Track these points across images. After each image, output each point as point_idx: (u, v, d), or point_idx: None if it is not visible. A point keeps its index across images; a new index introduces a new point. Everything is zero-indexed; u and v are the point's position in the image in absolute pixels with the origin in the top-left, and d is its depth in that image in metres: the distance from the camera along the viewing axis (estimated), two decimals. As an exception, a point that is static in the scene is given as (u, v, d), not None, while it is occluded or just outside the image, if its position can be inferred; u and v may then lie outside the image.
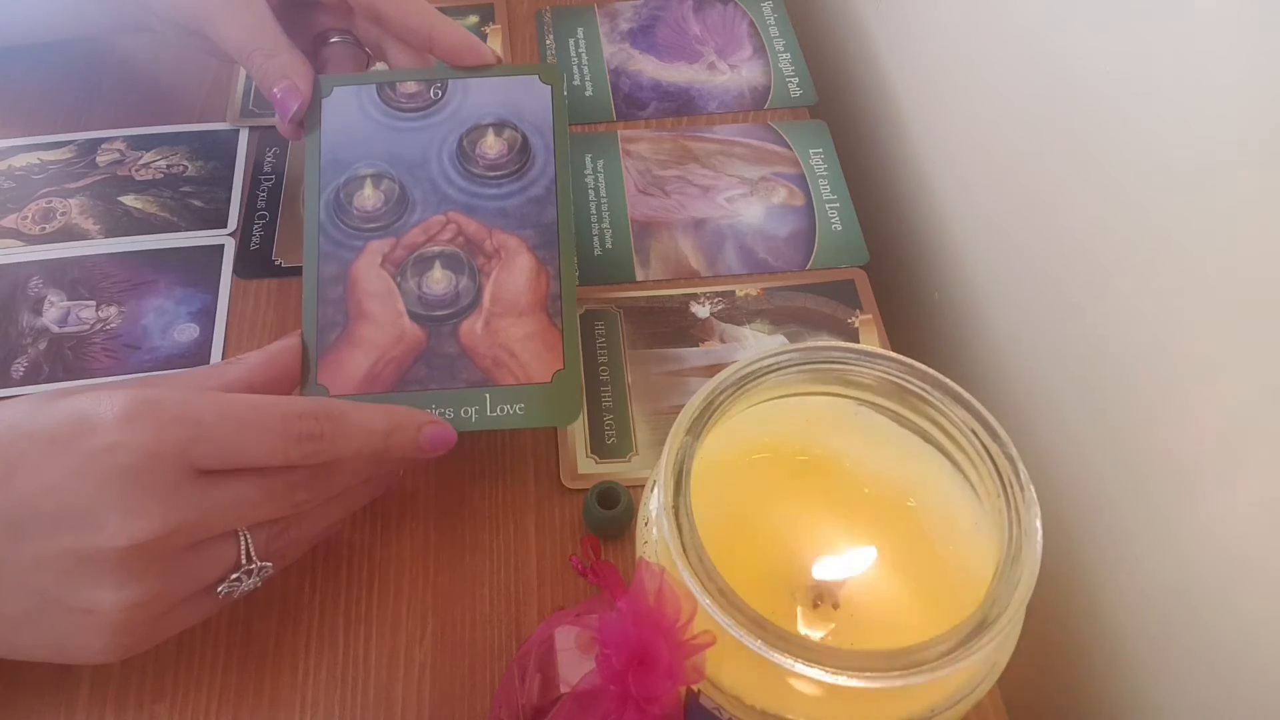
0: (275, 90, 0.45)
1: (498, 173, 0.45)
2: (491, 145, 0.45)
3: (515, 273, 0.43)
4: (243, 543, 0.35)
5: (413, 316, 0.43)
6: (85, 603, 0.32)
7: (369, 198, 0.44)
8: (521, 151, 0.45)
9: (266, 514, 0.35)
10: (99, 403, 0.33)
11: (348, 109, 0.46)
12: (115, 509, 0.32)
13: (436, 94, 0.46)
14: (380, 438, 0.37)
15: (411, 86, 0.46)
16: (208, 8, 0.46)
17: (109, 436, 0.32)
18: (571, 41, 0.63)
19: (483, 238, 0.44)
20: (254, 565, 0.35)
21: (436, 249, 0.44)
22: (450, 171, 0.45)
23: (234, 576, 0.35)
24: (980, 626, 0.27)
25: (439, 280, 0.43)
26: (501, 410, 0.42)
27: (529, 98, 0.46)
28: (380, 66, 0.50)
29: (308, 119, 0.45)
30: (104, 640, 0.33)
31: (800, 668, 0.26)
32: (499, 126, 0.46)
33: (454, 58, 0.46)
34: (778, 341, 0.49)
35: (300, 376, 0.41)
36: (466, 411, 0.41)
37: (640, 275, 0.52)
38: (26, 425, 0.33)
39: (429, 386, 0.42)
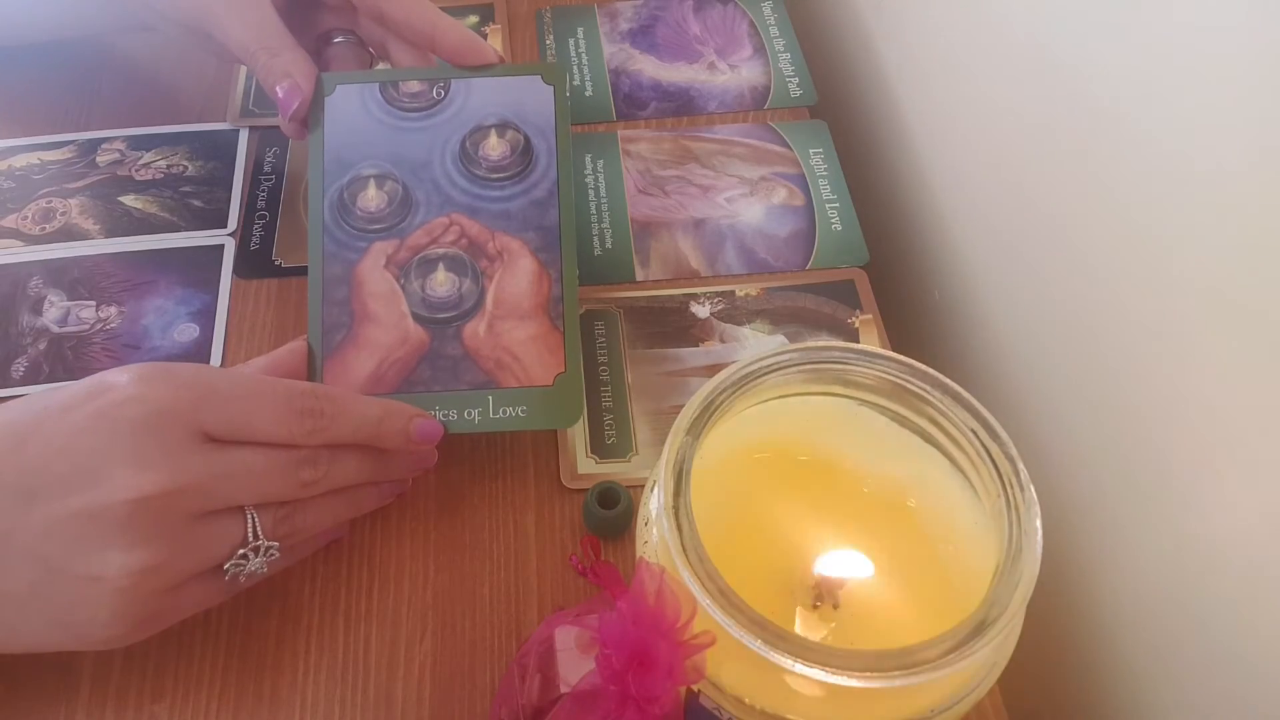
0: (277, 88, 0.45)
1: (500, 175, 0.45)
2: (494, 147, 0.45)
3: (518, 276, 0.44)
4: (249, 520, 0.35)
5: (416, 318, 0.43)
6: (93, 568, 0.32)
7: (372, 198, 0.44)
8: (524, 153, 0.45)
9: (271, 488, 0.36)
10: (113, 372, 0.34)
11: (351, 108, 0.46)
12: (124, 462, 0.32)
13: (439, 94, 0.46)
14: (374, 424, 0.38)
15: (414, 86, 0.46)
16: (212, 6, 0.46)
17: (123, 393, 0.33)
18: (571, 41, 0.63)
19: (485, 240, 0.44)
20: (260, 543, 0.36)
21: (440, 251, 0.44)
22: (453, 173, 0.45)
23: (240, 554, 0.35)
24: (980, 626, 0.27)
25: (442, 282, 0.43)
26: (504, 412, 0.42)
27: (531, 98, 0.46)
28: (383, 66, 0.50)
29: (310, 117, 0.46)
30: (111, 610, 0.33)
31: (800, 668, 0.26)
32: (501, 128, 0.46)
33: (457, 57, 0.46)
34: (778, 341, 0.49)
35: (305, 379, 0.41)
36: (470, 413, 0.42)
37: (640, 275, 0.52)
38: (42, 401, 0.34)
39: (433, 388, 0.42)
